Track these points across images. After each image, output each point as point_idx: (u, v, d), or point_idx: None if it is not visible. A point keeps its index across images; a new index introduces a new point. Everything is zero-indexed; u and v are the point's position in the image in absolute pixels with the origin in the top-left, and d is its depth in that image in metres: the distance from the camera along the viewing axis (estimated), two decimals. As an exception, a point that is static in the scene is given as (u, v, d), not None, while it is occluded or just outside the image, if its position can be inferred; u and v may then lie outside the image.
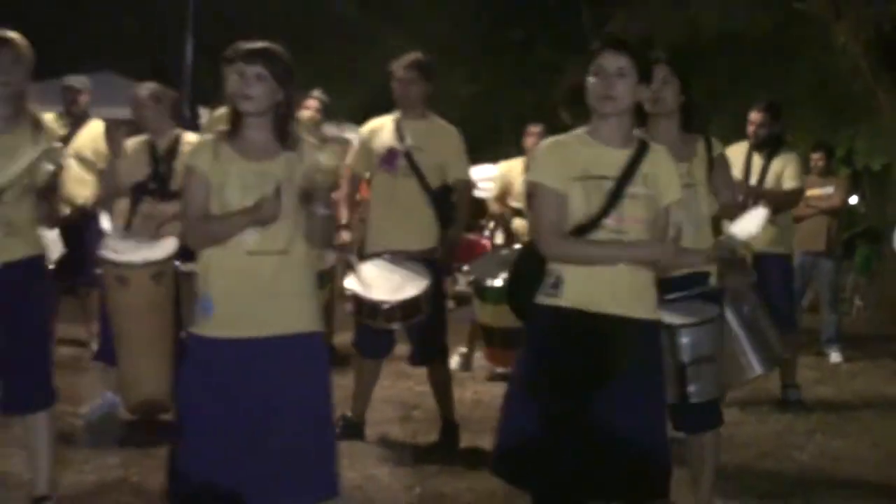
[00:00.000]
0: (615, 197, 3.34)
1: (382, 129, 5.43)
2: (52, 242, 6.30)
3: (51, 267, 5.39)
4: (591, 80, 3.33)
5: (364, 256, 5.49)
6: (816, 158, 9.00)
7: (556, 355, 3.38)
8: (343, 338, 7.38)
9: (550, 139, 3.70)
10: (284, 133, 3.56)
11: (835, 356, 8.33)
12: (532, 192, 3.62)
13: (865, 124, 14.81)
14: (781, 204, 6.38)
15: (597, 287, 3.34)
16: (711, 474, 4.33)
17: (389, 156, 5.27)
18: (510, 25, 19.81)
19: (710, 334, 3.86)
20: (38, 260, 4.15)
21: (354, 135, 6.43)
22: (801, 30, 15.06)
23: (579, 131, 3.53)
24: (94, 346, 6.97)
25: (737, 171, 5.76)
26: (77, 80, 7.46)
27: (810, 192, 7.91)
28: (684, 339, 3.77)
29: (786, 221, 6.74)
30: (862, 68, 12.37)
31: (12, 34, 4.07)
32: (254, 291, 3.38)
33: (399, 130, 5.33)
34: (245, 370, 3.47)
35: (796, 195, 6.74)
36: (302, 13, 19.18)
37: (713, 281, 4.09)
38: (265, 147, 3.56)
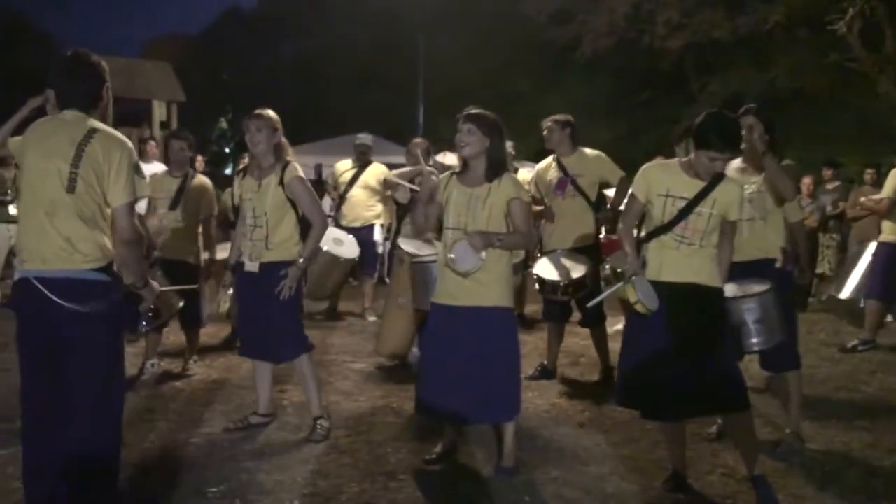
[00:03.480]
0: (686, 212, 3.96)
1: (549, 166, 6.39)
2: (350, 244, 7.47)
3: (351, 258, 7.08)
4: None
5: (543, 252, 6.43)
6: (870, 173, 10.93)
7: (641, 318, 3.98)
8: (531, 308, 8.75)
9: (648, 164, 4.21)
10: (493, 169, 4.33)
11: (890, 317, 8.98)
12: (629, 197, 4.25)
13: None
14: None
15: (663, 264, 4.03)
16: (798, 403, 4.92)
17: (560, 183, 6.24)
18: (639, 89, 24.42)
19: (764, 303, 4.42)
20: (290, 264, 4.88)
21: (530, 169, 7.69)
22: (851, 82, 18.64)
23: (674, 161, 4.14)
24: (368, 317, 8.76)
25: None
26: (366, 138, 9.21)
27: (866, 198, 8.90)
28: (747, 306, 4.39)
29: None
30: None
31: (265, 111, 4.90)
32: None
33: (561, 166, 6.31)
34: (460, 328, 4.31)
35: None
36: (497, 86, 24.21)
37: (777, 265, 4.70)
38: (478, 178, 4.34)
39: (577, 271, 5.94)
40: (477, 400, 4.29)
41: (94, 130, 3.36)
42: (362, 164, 9.15)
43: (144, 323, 3.62)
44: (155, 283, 3.74)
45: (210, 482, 4.22)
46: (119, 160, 3.36)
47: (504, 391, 4.37)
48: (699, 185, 3.97)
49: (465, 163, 4.38)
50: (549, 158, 6.49)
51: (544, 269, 6.05)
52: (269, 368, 5.16)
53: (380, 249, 9.51)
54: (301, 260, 4.88)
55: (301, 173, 4.90)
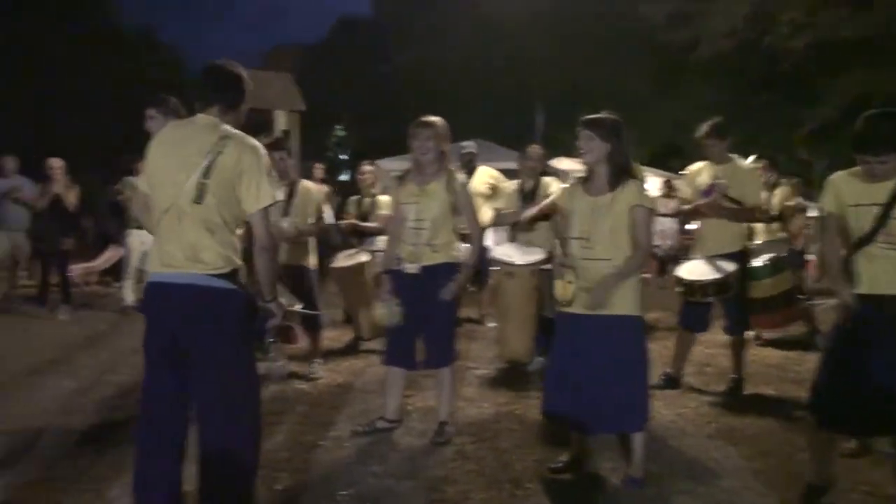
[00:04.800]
0: (884, 219, 3.76)
1: (701, 170, 6.20)
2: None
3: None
4: None
5: (689, 257, 6.33)
6: None
7: (851, 332, 3.82)
8: (651, 315, 8.42)
9: (833, 176, 4.01)
10: (616, 175, 4.25)
11: None
12: (826, 216, 4.00)
13: None
14: None
15: (876, 276, 3.81)
16: None
17: (709, 189, 6.06)
18: (759, 91, 23.67)
19: None
20: (452, 265, 4.96)
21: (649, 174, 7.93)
22: None
23: (857, 168, 3.88)
24: (487, 322, 8.71)
25: None
26: (471, 146, 9.38)
27: None
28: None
29: None
30: None
31: (433, 119, 4.99)
32: (589, 287, 4.17)
33: (712, 173, 6.09)
34: (588, 336, 4.24)
35: None
36: (612, 90, 23.44)
37: None
38: (602, 186, 4.26)
39: (720, 272, 5.82)
40: (605, 409, 4.24)
41: (226, 137, 3.40)
42: (469, 171, 9.11)
43: (271, 339, 3.67)
44: (282, 300, 3.75)
45: (339, 485, 4.27)
46: (251, 166, 3.39)
47: (632, 401, 4.30)
48: (887, 187, 3.77)
49: (590, 170, 4.33)
50: (703, 164, 6.33)
51: (687, 271, 5.98)
52: (402, 375, 5.21)
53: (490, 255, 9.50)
54: (467, 263, 4.96)
55: (464, 180, 5.06)
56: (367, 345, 7.54)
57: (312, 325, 6.56)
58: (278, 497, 4.15)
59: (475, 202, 8.61)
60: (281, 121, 16.38)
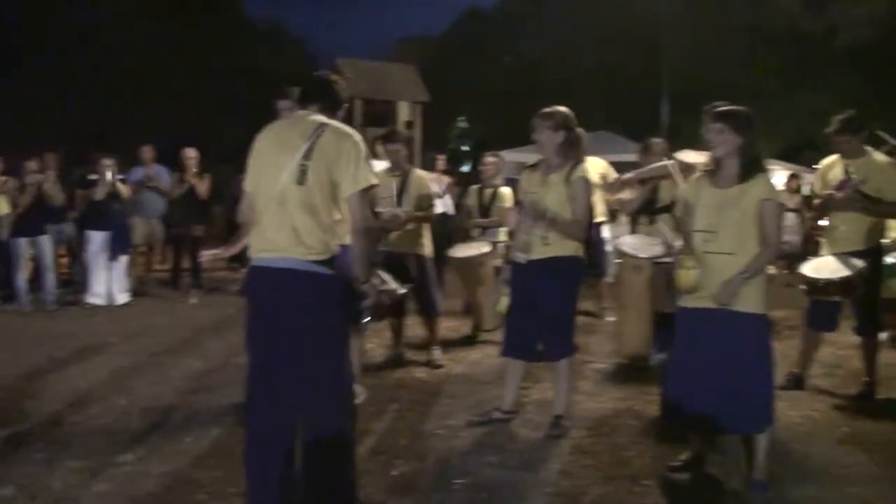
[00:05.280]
0: None
1: (834, 164, 5.96)
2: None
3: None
4: None
5: (818, 253, 6.08)
6: None
7: None
8: (777, 314, 7.89)
9: None
10: (746, 168, 4.13)
11: None
12: None
13: None
14: None
15: None
16: None
17: (841, 185, 5.82)
18: None
19: None
20: (563, 259, 4.92)
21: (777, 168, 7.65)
22: None
23: None
24: (606, 316, 8.59)
25: None
26: (582, 134, 9.91)
27: None
28: None
29: None
30: None
31: (554, 109, 4.96)
32: (711, 281, 4.09)
33: (845, 168, 5.85)
34: (712, 333, 4.14)
35: None
36: (742, 81, 22.84)
37: None
38: (731, 178, 4.15)
39: (848, 270, 5.57)
40: (728, 409, 4.12)
41: (324, 125, 3.50)
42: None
43: (367, 318, 3.72)
44: (376, 280, 3.77)
45: (455, 474, 4.30)
46: (349, 150, 3.46)
47: (757, 401, 4.16)
48: None
49: (717, 162, 4.20)
50: (836, 156, 6.08)
51: (813, 268, 5.76)
52: (521, 367, 5.21)
53: (609, 247, 9.35)
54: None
55: (589, 175, 4.97)
56: (486, 335, 7.52)
57: (429, 312, 6.64)
58: (394, 483, 4.21)
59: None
60: (404, 111, 16.62)
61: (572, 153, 4.94)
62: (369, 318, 3.76)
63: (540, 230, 4.88)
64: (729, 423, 4.20)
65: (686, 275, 4.14)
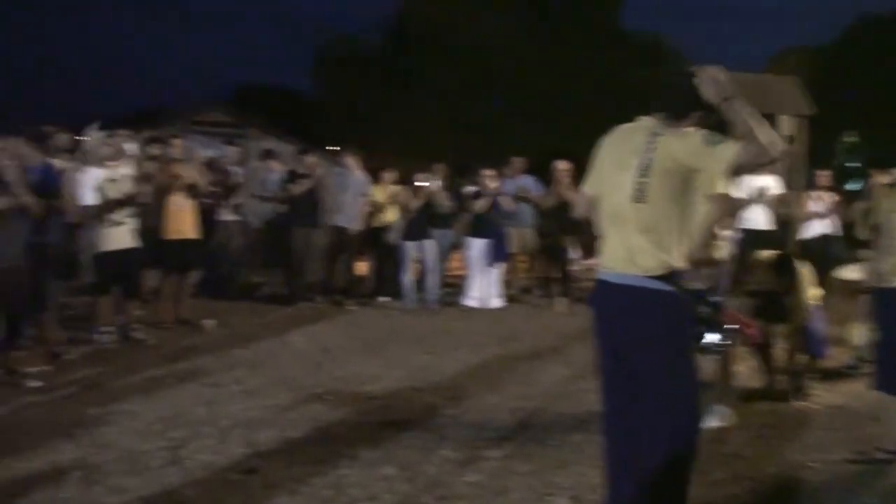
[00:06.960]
0: None
1: None
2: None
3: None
4: None
5: None
6: None
7: None
8: None
9: None
10: None
11: None
12: None
13: None
14: None
15: None
16: None
17: None
18: None
19: None
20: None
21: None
22: None
23: None
24: None
25: None
26: None
27: None
28: None
29: None
30: None
31: None
32: None
33: None
34: None
35: None
36: None
37: None
38: None
39: None
40: None
41: (655, 135, 3.25)
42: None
43: (716, 343, 3.51)
44: (718, 299, 3.58)
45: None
46: (687, 148, 3.16)
47: None
48: None
49: None
50: None
51: None
52: None
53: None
54: None
55: None
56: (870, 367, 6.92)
57: (813, 354, 6.33)
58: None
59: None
60: (785, 126, 15.74)
61: None
62: (717, 346, 3.59)
63: None
64: None
65: None
